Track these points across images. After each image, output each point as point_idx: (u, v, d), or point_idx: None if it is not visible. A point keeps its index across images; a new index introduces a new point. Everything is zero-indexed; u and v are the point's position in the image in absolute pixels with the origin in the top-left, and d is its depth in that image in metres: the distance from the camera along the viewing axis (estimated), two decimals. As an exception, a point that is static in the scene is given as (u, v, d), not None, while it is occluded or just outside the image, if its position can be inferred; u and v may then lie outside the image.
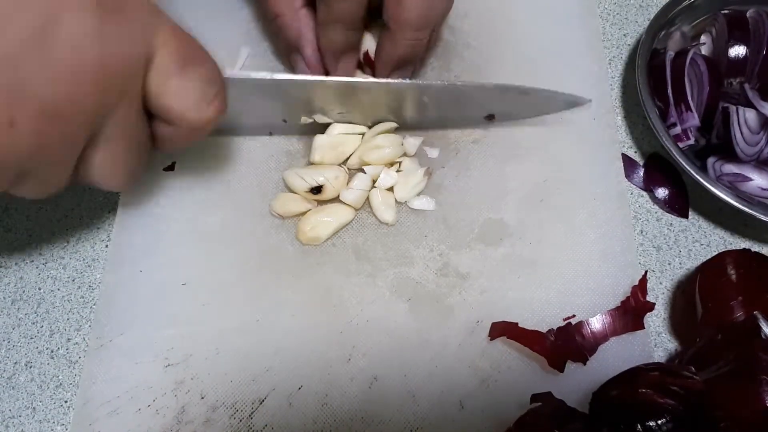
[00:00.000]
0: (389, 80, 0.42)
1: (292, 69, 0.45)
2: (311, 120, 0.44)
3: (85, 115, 0.29)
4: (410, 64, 0.43)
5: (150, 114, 0.33)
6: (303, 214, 0.44)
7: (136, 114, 0.32)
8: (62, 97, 0.27)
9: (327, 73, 0.44)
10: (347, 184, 0.44)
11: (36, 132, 0.27)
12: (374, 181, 0.44)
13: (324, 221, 0.43)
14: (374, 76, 0.45)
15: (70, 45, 0.27)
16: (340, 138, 0.45)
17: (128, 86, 0.30)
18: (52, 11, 0.26)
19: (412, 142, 0.45)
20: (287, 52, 0.45)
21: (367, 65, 0.46)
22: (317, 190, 0.43)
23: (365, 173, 0.44)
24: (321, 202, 0.44)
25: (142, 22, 0.30)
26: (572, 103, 0.43)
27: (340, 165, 0.45)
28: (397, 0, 0.38)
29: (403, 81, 0.41)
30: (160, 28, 0.31)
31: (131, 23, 0.29)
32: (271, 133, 0.46)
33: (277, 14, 0.42)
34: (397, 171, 0.45)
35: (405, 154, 0.46)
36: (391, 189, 0.44)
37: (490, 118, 0.45)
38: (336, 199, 0.44)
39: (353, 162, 0.44)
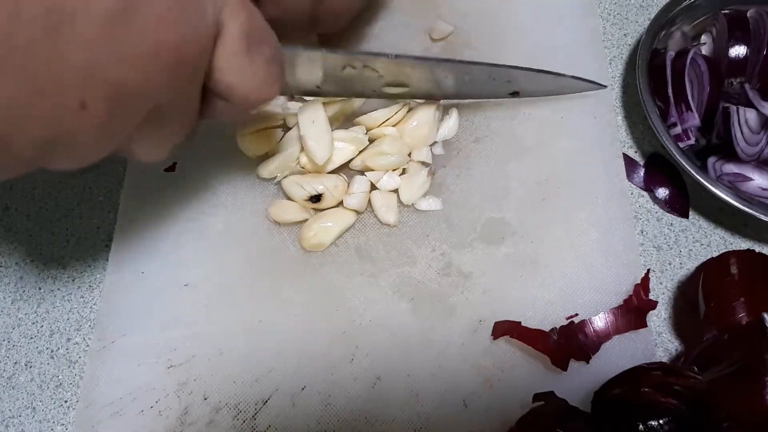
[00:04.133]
0: (438, 58, 0.43)
1: None
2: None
3: (153, 97, 0.28)
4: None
5: (205, 85, 0.31)
6: (300, 222, 0.43)
7: (197, 91, 0.30)
8: (134, 80, 0.26)
9: None
10: (347, 189, 0.43)
11: (104, 114, 0.26)
12: (373, 183, 0.44)
13: (326, 227, 0.42)
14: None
15: (147, 29, 0.26)
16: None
17: (198, 66, 0.29)
18: None
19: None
20: None
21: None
22: (316, 198, 0.43)
23: (365, 176, 0.44)
24: (318, 210, 0.44)
25: None
26: (589, 87, 0.47)
27: (339, 173, 0.44)
28: None
29: (448, 59, 0.43)
30: (228, 0, 0.29)
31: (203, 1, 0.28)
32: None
33: None
34: (400, 175, 0.44)
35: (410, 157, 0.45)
36: (395, 191, 0.44)
37: (515, 94, 0.46)
38: (334, 206, 0.44)
39: (355, 165, 0.44)
